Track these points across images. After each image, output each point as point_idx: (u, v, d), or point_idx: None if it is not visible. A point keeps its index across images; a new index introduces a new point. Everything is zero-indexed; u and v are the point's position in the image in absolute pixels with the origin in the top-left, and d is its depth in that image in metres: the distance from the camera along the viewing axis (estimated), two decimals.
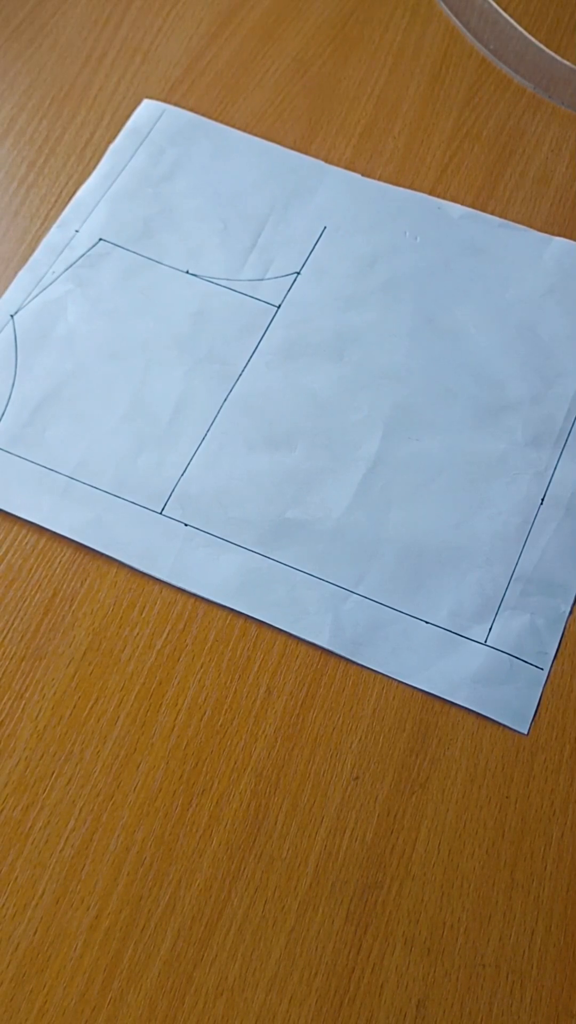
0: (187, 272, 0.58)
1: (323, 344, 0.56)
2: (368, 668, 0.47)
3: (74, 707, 0.46)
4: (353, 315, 0.57)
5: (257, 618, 0.48)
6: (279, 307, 0.57)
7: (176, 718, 0.46)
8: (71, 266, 0.58)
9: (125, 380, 0.54)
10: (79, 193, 0.61)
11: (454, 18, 0.69)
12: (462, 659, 0.47)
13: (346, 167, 0.62)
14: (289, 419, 0.54)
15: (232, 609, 0.48)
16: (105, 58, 0.66)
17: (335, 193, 0.61)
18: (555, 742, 0.46)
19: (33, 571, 0.49)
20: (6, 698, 0.46)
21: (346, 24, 0.69)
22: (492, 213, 0.61)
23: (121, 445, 0.52)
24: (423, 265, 0.59)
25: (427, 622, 0.48)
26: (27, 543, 0.50)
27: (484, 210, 0.61)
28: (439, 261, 0.59)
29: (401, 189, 0.62)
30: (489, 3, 0.69)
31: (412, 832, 0.44)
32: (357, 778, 0.45)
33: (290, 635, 0.48)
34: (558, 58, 0.68)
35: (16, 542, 0.50)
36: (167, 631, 0.48)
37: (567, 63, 0.68)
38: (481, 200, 0.61)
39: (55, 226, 0.59)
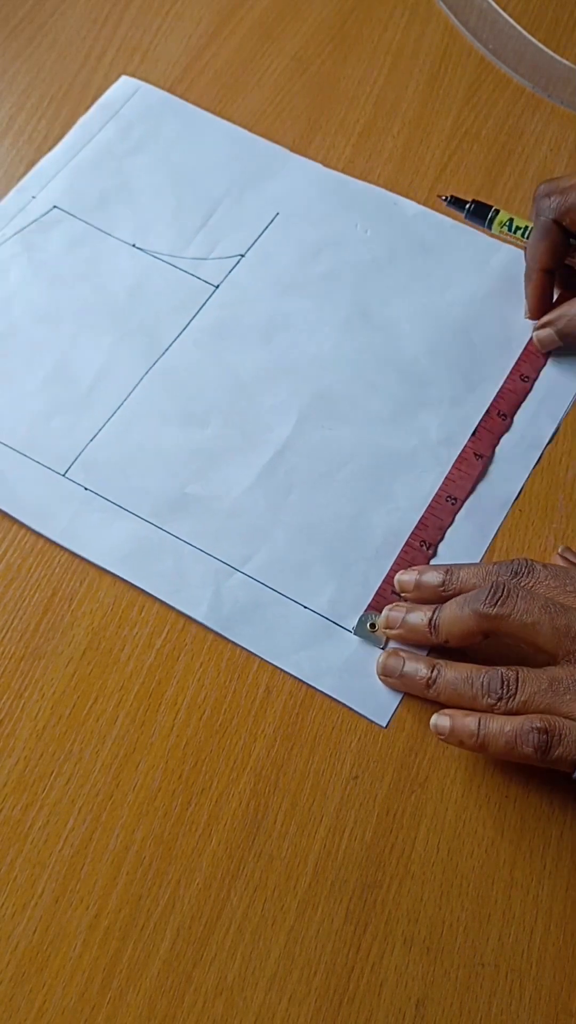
0: (133, 245, 0.59)
1: (254, 327, 0.56)
2: (239, 646, 0.47)
3: (73, 706, 0.46)
4: (289, 301, 0.57)
5: (137, 586, 0.48)
6: (217, 287, 0.58)
7: (175, 717, 0.46)
8: (21, 231, 0.59)
9: (53, 344, 0.55)
10: (42, 161, 0.61)
11: (453, 17, 0.69)
12: (333, 647, 0.47)
13: (345, 166, 0.62)
14: (207, 397, 0.54)
15: (120, 577, 0.48)
16: (104, 57, 0.66)
17: (294, 180, 0.62)
18: None
19: (32, 570, 0.49)
20: (5, 697, 0.46)
21: (345, 23, 0.69)
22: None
23: (38, 406, 0.53)
24: (368, 258, 0.59)
25: (305, 607, 0.48)
26: (26, 542, 0.50)
27: None
28: (385, 256, 0.59)
29: (360, 182, 0.62)
30: (488, 2, 0.69)
31: (411, 831, 0.44)
32: (356, 777, 0.45)
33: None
34: (557, 57, 0.68)
35: (15, 541, 0.50)
36: (166, 630, 0.48)
37: (566, 62, 0.68)
38: (480, 199, 0.61)
39: (14, 190, 0.60)
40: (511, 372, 0.55)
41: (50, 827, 0.43)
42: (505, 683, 0.42)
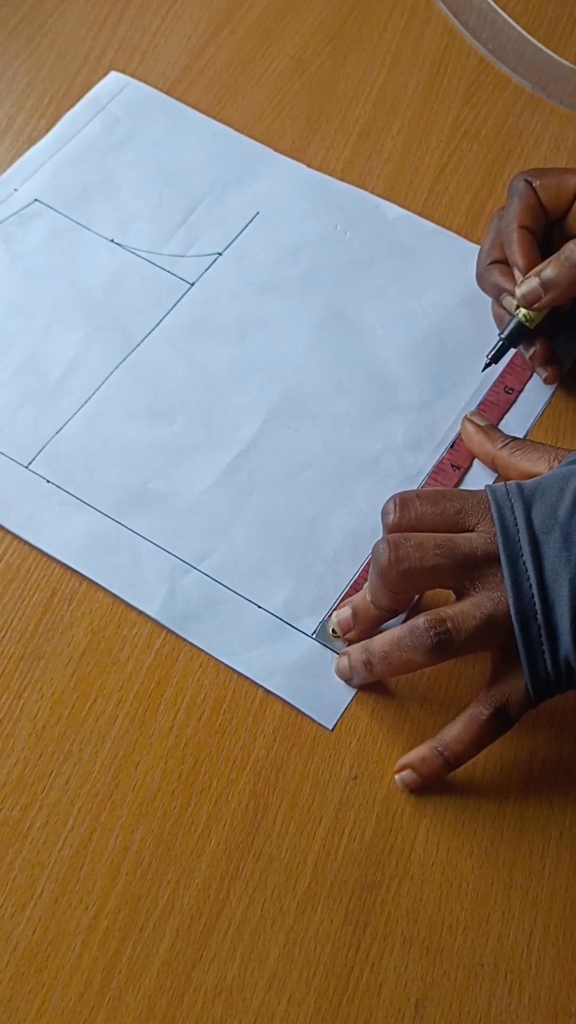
0: (112, 240, 0.59)
1: (227, 326, 0.57)
2: (191, 643, 0.47)
3: (73, 707, 0.46)
4: (264, 301, 0.58)
5: (91, 579, 0.48)
6: (193, 284, 0.58)
7: (175, 718, 0.46)
8: (1, 223, 0.59)
9: (25, 336, 0.55)
10: (27, 154, 0.62)
11: (452, 17, 0.69)
12: (284, 647, 0.47)
13: (344, 166, 0.62)
14: (175, 393, 0.54)
15: (76, 571, 0.49)
16: (104, 57, 0.66)
17: (276, 181, 0.62)
18: (553, 742, 0.46)
19: (32, 571, 0.49)
20: (4, 697, 0.46)
21: (344, 23, 0.69)
22: (491, 213, 0.61)
23: (6, 397, 0.54)
24: (346, 260, 0.59)
25: (259, 606, 0.48)
26: (26, 543, 0.50)
27: (483, 210, 0.61)
28: (363, 258, 0.59)
29: (343, 184, 0.62)
30: (488, 2, 0.69)
31: (411, 832, 0.44)
32: (356, 778, 0.45)
33: None
34: (556, 57, 0.68)
35: (15, 541, 0.50)
36: (166, 630, 0.48)
37: (565, 62, 0.68)
38: (480, 199, 0.61)
39: None
40: (495, 383, 0.55)
41: (49, 827, 0.43)
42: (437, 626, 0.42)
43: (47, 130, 0.63)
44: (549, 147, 0.64)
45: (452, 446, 0.53)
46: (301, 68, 0.67)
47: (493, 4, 0.70)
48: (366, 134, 0.64)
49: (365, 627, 0.47)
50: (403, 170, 0.63)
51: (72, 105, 0.64)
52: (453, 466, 0.52)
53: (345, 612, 0.47)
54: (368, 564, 0.49)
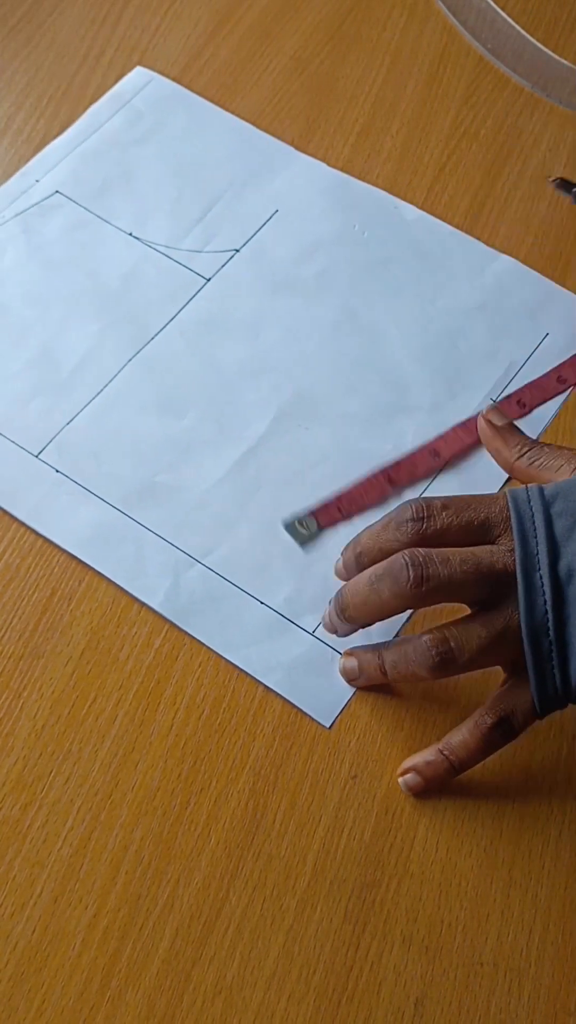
0: (130, 234, 0.59)
1: (242, 322, 0.57)
2: (192, 638, 0.47)
3: (72, 706, 0.46)
4: (279, 299, 0.58)
5: (95, 569, 0.48)
6: (209, 280, 0.58)
7: (174, 717, 0.46)
8: (21, 213, 0.59)
9: (41, 327, 0.56)
10: (49, 146, 0.62)
11: (452, 17, 0.69)
12: (285, 644, 0.47)
13: (343, 166, 0.62)
14: (187, 388, 0.54)
15: (84, 562, 0.49)
16: (103, 57, 0.66)
17: (296, 178, 0.62)
18: (552, 740, 0.46)
19: (31, 570, 0.49)
20: (4, 697, 0.46)
21: (344, 23, 0.69)
22: (490, 212, 0.61)
23: (19, 386, 0.54)
24: (363, 260, 0.59)
25: (262, 602, 0.48)
26: (25, 542, 0.50)
27: (482, 210, 0.61)
28: (380, 258, 0.59)
29: (362, 183, 0.62)
30: (487, 2, 0.70)
31: (410, 831, 0.44)
32: (355, 777, 0.45)
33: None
34: (556, 57, 0.68)
35: (14, 541, 0.50)
36: (165, 629, 0.48)
37: (565, 62, 0.68)
38: (479, 199, 0.61)
39: (17, 175, 0.61)
40: (548, 374, 0.55)
41: (49, 826, 0.43)
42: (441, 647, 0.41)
43: (47, 129, 0.63)
44: (548, 146, 0.64)
45: None
46: (300, 67, 0.67)
47: (492, 4, 0.70)
48: (365, 133, 0.64)
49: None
50: (402, 169, 0.63)
51: (71, 104, 0.64)
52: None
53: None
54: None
